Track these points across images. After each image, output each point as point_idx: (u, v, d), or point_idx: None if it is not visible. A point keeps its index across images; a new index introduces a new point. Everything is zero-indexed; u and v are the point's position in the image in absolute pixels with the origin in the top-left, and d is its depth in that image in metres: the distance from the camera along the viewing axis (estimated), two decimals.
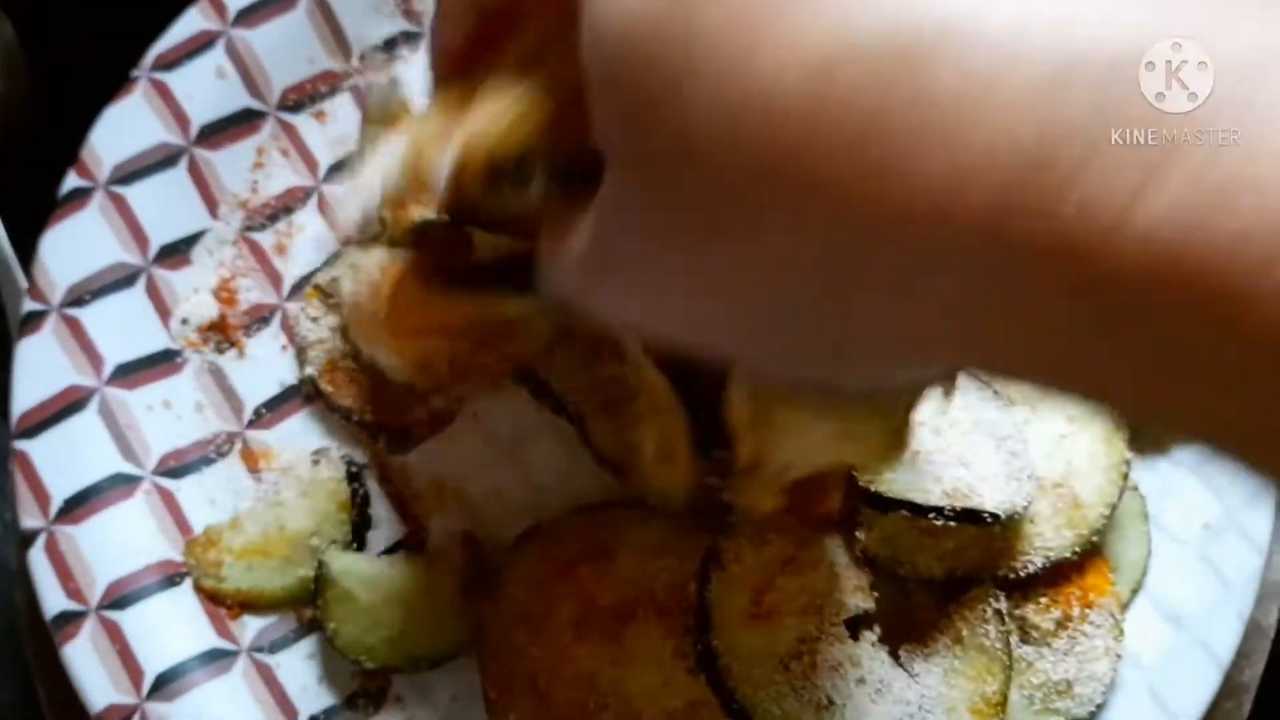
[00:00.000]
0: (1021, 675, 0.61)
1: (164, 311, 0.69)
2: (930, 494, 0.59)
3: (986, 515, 0.58)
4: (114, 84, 0.72)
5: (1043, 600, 0.61)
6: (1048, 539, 0.62)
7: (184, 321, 0.68)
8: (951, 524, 0.58)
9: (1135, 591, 0.64)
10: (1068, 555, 0.62)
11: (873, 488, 0.59)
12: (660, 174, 0.32)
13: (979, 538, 0.61)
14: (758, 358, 0.39)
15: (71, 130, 0.72)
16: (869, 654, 0.60)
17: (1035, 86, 0.27)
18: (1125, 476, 0.63)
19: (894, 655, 0.61)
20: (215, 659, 0.62)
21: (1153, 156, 0.26)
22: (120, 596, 0.62)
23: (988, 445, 0.61)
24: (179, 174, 0.70)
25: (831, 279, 0.31)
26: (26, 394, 0.65)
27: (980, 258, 0.27)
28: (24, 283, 0.81)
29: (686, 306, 0.37)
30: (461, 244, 0.53)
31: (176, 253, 0.69)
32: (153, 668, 0.60)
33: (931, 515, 0.58)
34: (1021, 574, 0.61)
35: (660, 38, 0.29)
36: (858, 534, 0.60)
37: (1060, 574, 0.62)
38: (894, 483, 0.59)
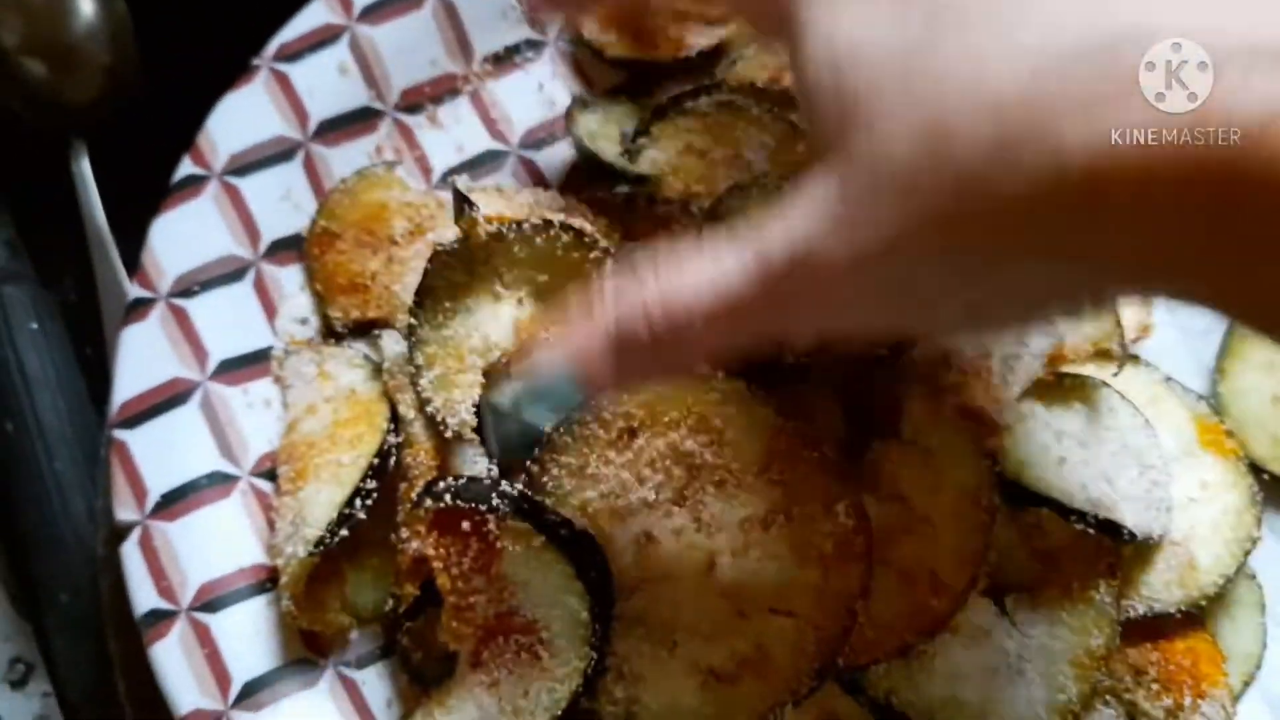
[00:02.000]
0: None
1: (270, 308, 0.68)
2: (1074, 498, 0.58)
3: (1125, 531, 0.57)
4: (227, 70, 0.71)
5: (1154, 686, 0.59)
6: (1154, 589, 0.61)
7: (303, 321, 0.67)
8: (1090, 531, 0.57)
9: (1247, 684, 0.62)
10: (1169, 611, 0.60)
11: (1019, 480, 0.58)
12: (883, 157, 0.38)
13: (1083, 553, 0.59)
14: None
15: (181, 113, 0.71)
16: (971, 601, 0.58)
17: None
18: (1247, 554, 0.61)
19: (999, 604, 0.59)
20: (303, 671, 0.61)
21: None
22: (212, 599, 0.60)
23: (1133, 469, 0.60)
24: (294, 169, 0.69)
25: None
26: (129, 383, 0.64)
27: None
28: (119, 266, 0.81)
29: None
30: None
31: (287, 249, 0.68)
32: (240, 675, 0.59)
33: (1073, 518, 0.57)
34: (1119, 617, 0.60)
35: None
36: None
37: (1172, 660, 0.60)
38: (1039, 480, 0.58)
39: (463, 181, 0.69)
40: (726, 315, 0.43)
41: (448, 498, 0.54)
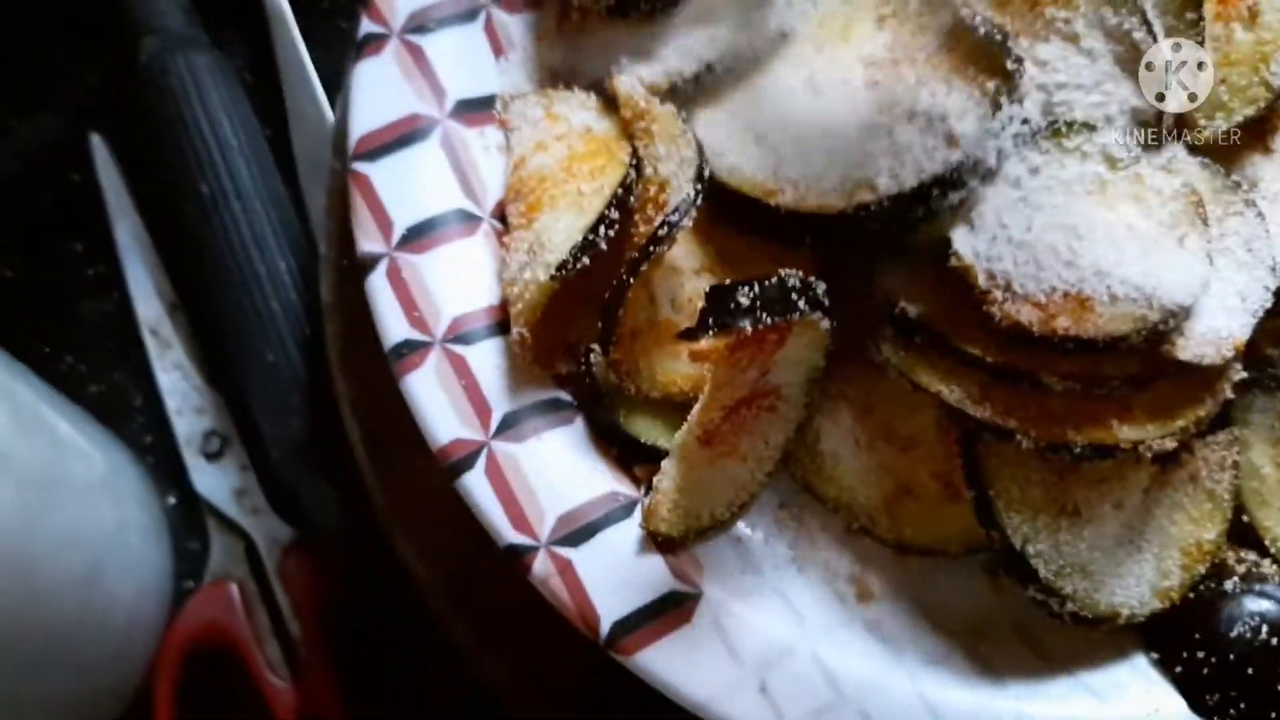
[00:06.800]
0: None
1: (499, 53, 0.65)
2: None
3: None
4: None
5: None
6: None
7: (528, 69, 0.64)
8: None
9: None
10: None
11: None
12: None
13: None
14: None
15: None
16: (1137, 483, 0.57)
17: None
18: None
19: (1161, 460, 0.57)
20: (558, 409, 0.58)
21: None
22: (465, 332, 0.58)
23: None
24: None
25: None
26: (367, 117, 0.61)
27: None
28: (299, 39, 0.78)
29: None
30: None
31: None
32: (500, 407, 0.57)
33: None
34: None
35: None
36: None
37: None
38: None
39: None
40: None
41: (764, 317, 0.49)
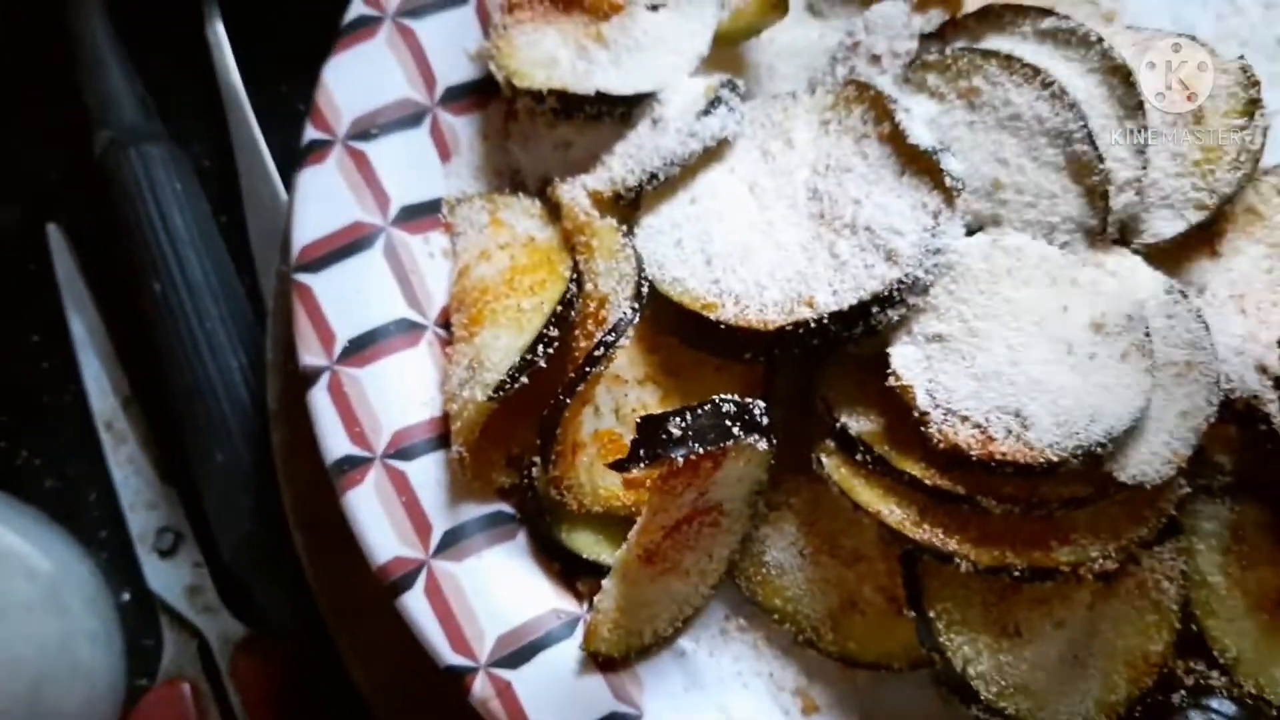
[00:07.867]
0: None
1: (446, 157, 0.64)
2: None
3: None
4: None
5: None
6: None
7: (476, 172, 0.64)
8: None
9: None
10: None
11: None
12: None
13: None
14: None
15: None
16: (1079, 600, 0.56)
17: None
18: None
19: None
20: (500, 524, 0.58)
21: None
22: (406, 446, 0.58)
23: None
24: (466, 13, 0.66)
25: None
26: (309, 226, 0.61)
27: None
28: (255, 127, 0.78)
29: None
30: None
31: (463, 96, 0.65)
32: (440, 524, 0.57)
33: None
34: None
35: None
36: None
37: None
38: None
39: None
40: None
41: (696, 447, 0.49)
